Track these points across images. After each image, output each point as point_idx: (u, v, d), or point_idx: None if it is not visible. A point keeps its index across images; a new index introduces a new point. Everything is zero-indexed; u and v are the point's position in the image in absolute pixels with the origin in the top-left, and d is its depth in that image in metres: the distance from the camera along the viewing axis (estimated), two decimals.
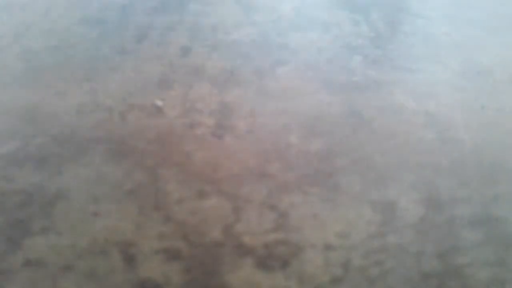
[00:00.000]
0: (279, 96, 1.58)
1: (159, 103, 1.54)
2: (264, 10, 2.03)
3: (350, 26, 1.94)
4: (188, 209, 1.22)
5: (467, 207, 1.24)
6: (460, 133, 1.46)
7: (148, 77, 1.66)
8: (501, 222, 1.20)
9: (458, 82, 1.66)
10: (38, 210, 1.21)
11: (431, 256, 1.12)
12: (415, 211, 1.22)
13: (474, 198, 1.26)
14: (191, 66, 1.71)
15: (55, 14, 1.98)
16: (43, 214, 1.20)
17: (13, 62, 1.72)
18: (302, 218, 1.20)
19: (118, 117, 1.49)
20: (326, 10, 2.04)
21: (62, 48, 1.79)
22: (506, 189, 1.29)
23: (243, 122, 1.48)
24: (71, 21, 1.94)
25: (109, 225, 1.17)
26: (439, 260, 1.11)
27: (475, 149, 1.41)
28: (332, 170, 1.33)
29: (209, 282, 1.06)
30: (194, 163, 1.34)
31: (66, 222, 1.18)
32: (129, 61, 1.73)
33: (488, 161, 1.37)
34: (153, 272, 1.08)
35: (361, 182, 1.30)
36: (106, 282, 1.06)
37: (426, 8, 2.06)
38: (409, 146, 1.41)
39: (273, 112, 1.52)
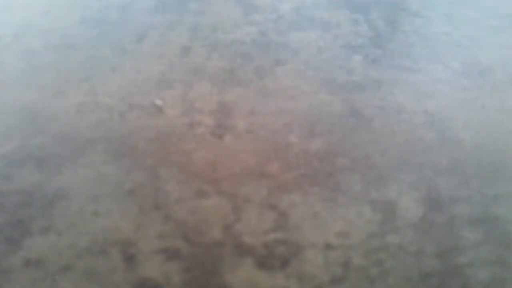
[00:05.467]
0: (279, 95, 1.58)
1: (159, 102, 1.54)
2: (264, 10, 2.03)
3: (350, 25, 1.94)
4: (188, 209, 1.22)
5: (467, 207, 1.24)
6: (460, 133, 1.46)
7: (148, 76, 1.65)
8: (501, 221, 1.20)
9: (458, 82, 1.66)
10: (38, 210, 1.21)
11: (431, 256, 1.12)
12: (415, 211, 1.22)
13: (474, 198, 1.26)
14: (191, 66, 1.71)
15: (55, 14, 1.98)
16: (43, 214, 1.20)
17: (13, 61, 1.71)
18: (302, 218, 1.20)
19: (118, 116, 1.49)
20: (326, 9, 2.04)
21: (62, 48, 1.79)
22: (506, 189, 1.29)
23: (243, 122, 1.48)
24: (71, 21, 1.94)
25: (109, 225, 1.17)
26: (439, 260, 1.11)
27: (475, 149, 1.41)
28: (332, 170, 1.33)
29: (209, 282, 1.06)
30: (194, 163, 1.34)
31: (66, 222, 1.18)
32: (129, 61, 1.73)
33: (488, 161, 1.37)
34: (153, 272, 1.08)
35: (361, 182, 1.30)
36: (106, 282, 1.06)
37: (426, 8, 2.06)
38: (409, 146, 1.41)
39: (273, 111, 1.52)
